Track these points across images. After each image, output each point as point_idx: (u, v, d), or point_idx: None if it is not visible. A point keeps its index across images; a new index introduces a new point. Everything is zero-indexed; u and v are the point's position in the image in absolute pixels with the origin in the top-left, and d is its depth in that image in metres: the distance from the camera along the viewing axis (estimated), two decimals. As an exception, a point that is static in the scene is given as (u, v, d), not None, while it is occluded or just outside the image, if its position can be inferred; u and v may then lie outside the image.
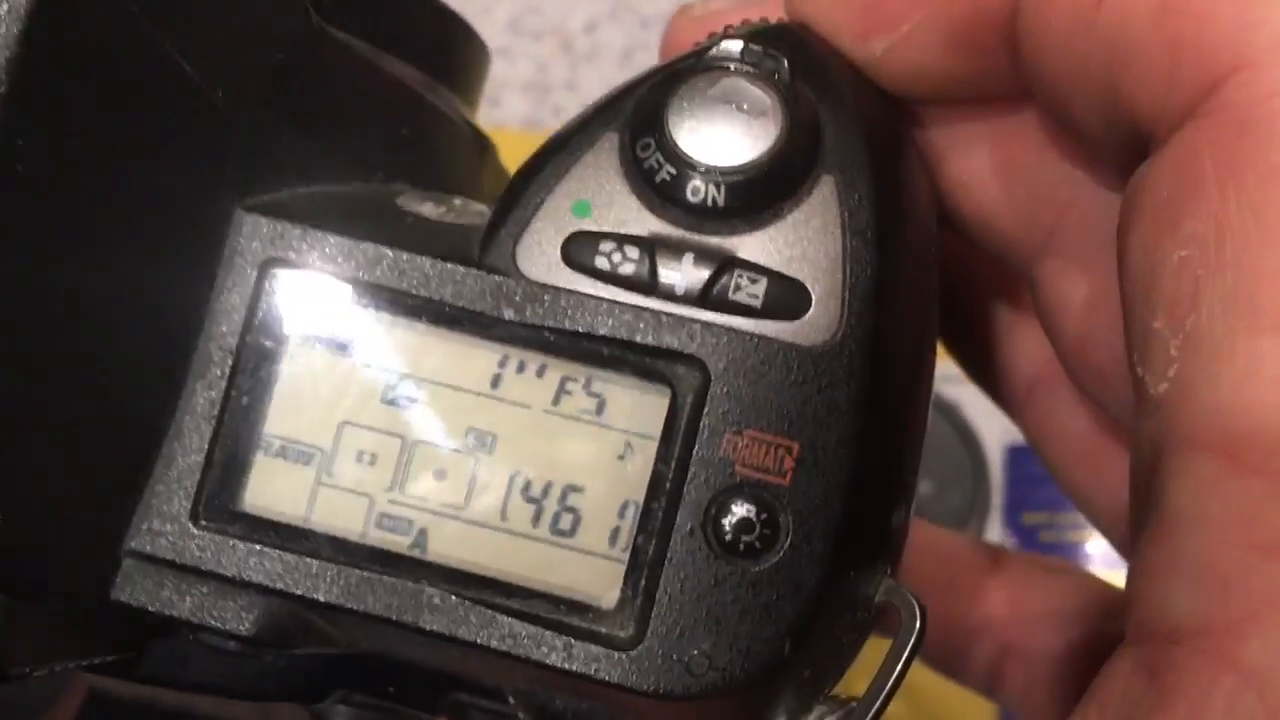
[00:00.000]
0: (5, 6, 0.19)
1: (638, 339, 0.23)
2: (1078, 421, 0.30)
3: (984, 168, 0.26)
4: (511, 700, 0.25)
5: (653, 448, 0.23)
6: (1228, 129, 0.20)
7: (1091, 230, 0.25)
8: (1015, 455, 0.81)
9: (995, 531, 0.80)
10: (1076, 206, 0.26)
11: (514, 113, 0.85)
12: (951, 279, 0.27)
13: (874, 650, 0.25)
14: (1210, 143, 0.20)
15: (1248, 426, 0.19)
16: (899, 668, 0.23)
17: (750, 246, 0.23)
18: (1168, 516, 0.20)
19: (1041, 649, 0.35)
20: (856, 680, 0.25)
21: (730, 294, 0.23)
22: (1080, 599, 0.36)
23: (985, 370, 0.32)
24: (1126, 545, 0.31)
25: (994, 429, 0.80)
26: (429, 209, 0.25)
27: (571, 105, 0.86)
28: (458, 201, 0.26)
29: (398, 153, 0.27)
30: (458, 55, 0.30)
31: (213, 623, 0.23)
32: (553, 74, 0.87)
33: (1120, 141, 0.22)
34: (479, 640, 0.23)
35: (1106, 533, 0.32)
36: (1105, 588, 0.37)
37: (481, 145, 0.31)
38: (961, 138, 0.26)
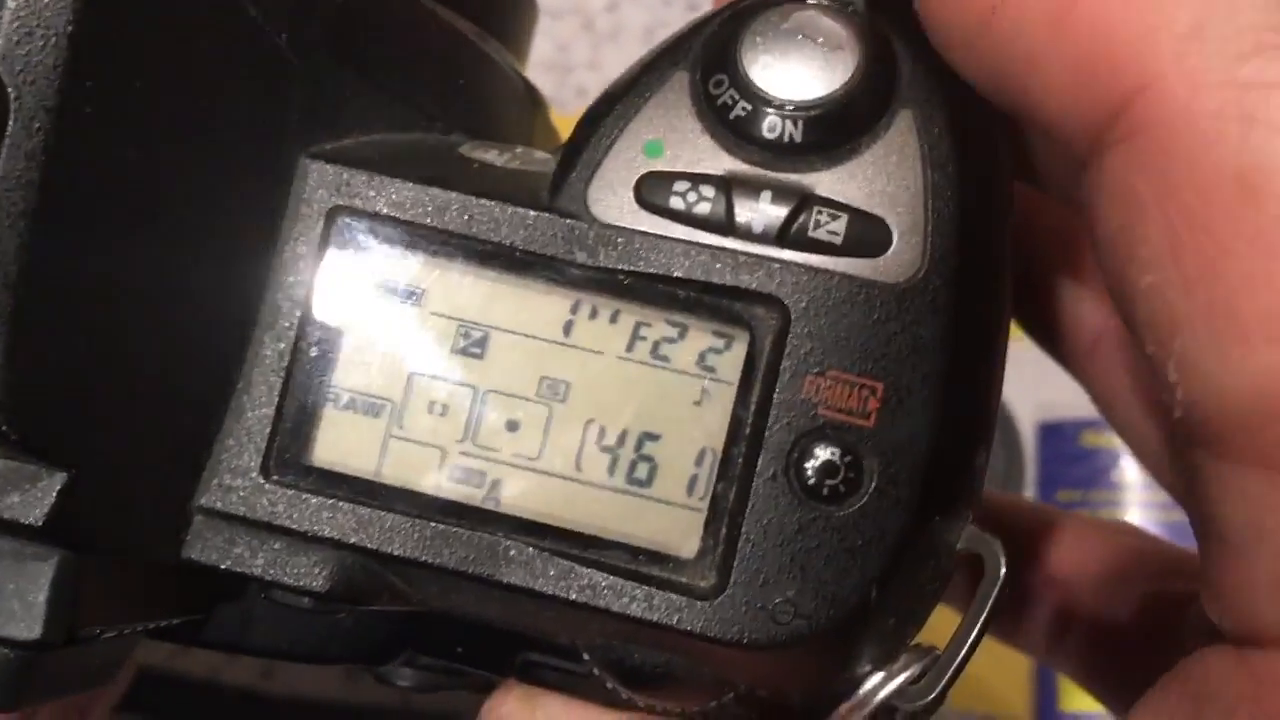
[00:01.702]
0: None
1: (715, 280, 0.22)
2: (1146, 376, 0.30)
3: None
4: (586, 656, 0.24)
5: (731, 392, 0.23)
6: (1152, 152, 0.19)
7: None
8: (1048, 433, 0.80)
9: (1029, 509, 0.79)
10: None
11: (535, 94, 0.84)
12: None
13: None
14: (1140, 169, 0.19)
15: (1275, 437, 0.19)
16: (984, 615, 0.23)
17: (828, 183, 0.22)
18: (1230, 537, 0.20)
19: (1103, 610, 0.34)
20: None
21: (810, 231, 0.22)
22: (1140, 558, 0.35)
23: (1046, 326, 0.32)
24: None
25: (1026, 406, 0.79)
26: (493, 156, 0.25)
27: (594, 85, 0.86)
28: (520, 149, 0.25)
29: (455, 103, 0.26)
30: (508, 7, 0.30)
31: (286, 580, 0.23)
32: (574, 54, 0.87)
33: (1058, 145, 0.22)
34: (557, 592, 0.22)
35: (1174, 490, 0.31)
36: (1164, 546, 0.37)
37: (534, 99, 0.30)
38: None
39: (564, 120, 0.32)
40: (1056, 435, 0.80)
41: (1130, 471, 0.76)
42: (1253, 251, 0.18)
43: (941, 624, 0.24)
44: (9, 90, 0.19)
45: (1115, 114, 0.20)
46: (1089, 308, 0.31)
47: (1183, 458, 0.21)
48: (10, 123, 0.19)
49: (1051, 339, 0.32)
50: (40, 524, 0.20)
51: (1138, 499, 0.76)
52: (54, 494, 0.20)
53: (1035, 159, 0.27)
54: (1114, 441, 0.75)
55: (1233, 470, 0.20)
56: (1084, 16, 0.20)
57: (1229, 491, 0.20)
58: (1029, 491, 0.80)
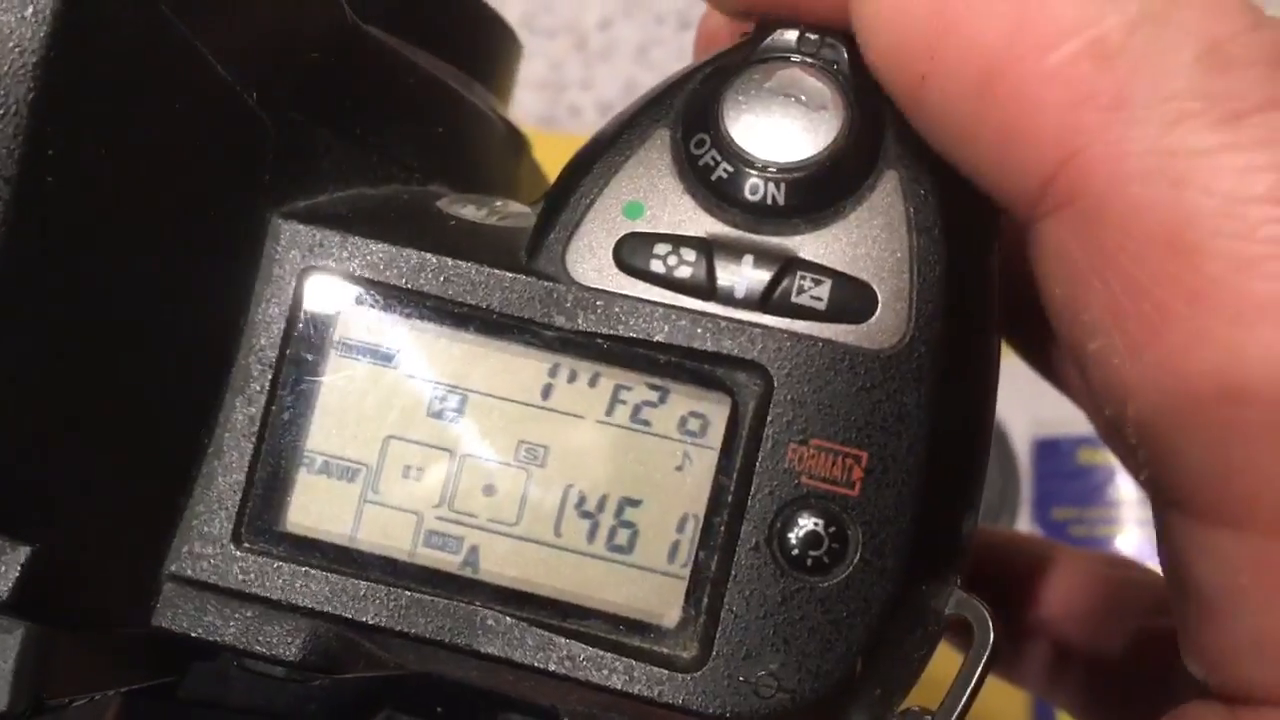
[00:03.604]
0: (31, 9, 0.18)
1: (696, 345, 0.22)
2: None
3: None
4: (566, 722, 0.24)
5: (713, 458, 0.22)
6: (1085, 221, 0.19)
7: None
8: (1043, 450, 0.80)
9: (1024, 526, 0.78)
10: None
11: (528, 112, 0.83)
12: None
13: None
14: (1074, 237, 0.20)
15: (1241, 493, 0.19)
16: (973, 683, 0.22)
17: (812, 246, 0.22)
18: (1206, 597, 0.20)
19: (1099, 645, 0.34)
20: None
21: (793, 296, 0.22)
22: (1135, 591, 0.35)
23: (1041, 351, 0.32)
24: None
25: (1021, 423, 0.79)
26: (470, 211, 0.24)
27: (586, 103, 0.85)
28: (499, 203, 0.25)
29: (434, 153, 0.26)
30: (492, 49, 0.29)
31: (258, 649, 0.22)
32: (567, 72, 0.86)
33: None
34: (536, 663, 0.22)
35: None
36: (1160, 580, 0.36)
37: (516, 143, 0.30)
38: None
39: (557, 138, 0.31)
40: (1052, 452, 0.80)
41: (1126, 488, 0.75)
42: (1193, 312, 0.18)
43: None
44: (-33, 160, 0.18)
45: (1045, 184, 0.20)
46: None
47: (1155, 518, 0.21)
48: (-31, 193, 0.18)
49: (1046, 363, 0.32)
50: (5, 599, 0.20)
51: (1133, 515, 0.76)
52: (18, 567, 0.20)
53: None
54: (1110, 458, 0.75)
55: (1202, 530, 0.20)
56: (1008, 89, 0.20)
57: (1200, 551, 0.20)
58: (1024, 508, 0.79)
